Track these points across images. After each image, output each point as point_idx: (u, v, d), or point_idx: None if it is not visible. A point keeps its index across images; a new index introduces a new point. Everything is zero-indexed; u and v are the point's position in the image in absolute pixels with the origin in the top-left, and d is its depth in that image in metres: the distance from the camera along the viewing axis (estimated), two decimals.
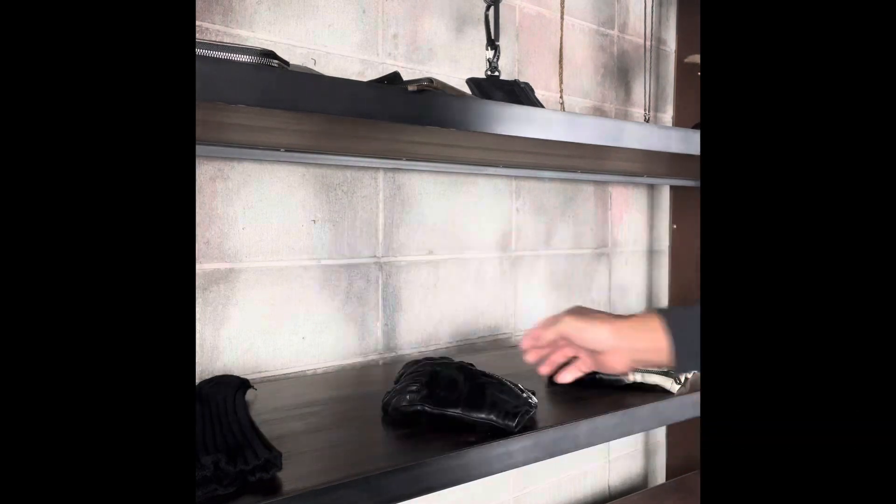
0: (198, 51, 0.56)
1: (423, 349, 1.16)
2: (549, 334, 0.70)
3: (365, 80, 0.90)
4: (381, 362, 1.12)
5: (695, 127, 1.24)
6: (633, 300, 1.59)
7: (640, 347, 0.70)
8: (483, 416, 0.69)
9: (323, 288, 1.05)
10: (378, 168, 1.10)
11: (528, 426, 0.72)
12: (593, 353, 0.71)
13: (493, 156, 1.08)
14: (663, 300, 1.63)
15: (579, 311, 0.73)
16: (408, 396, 0.71)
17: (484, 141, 0.87)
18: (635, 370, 0.90)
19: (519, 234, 1.32)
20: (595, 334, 0.70)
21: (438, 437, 0.70)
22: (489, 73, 0.99)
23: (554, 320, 0.70)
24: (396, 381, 0.78)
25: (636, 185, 1.56)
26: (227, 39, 0.92)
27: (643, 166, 1.28)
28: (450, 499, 1.21)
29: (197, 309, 0.92)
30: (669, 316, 0.70)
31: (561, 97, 1.27)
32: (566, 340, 0.73)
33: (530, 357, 0.78)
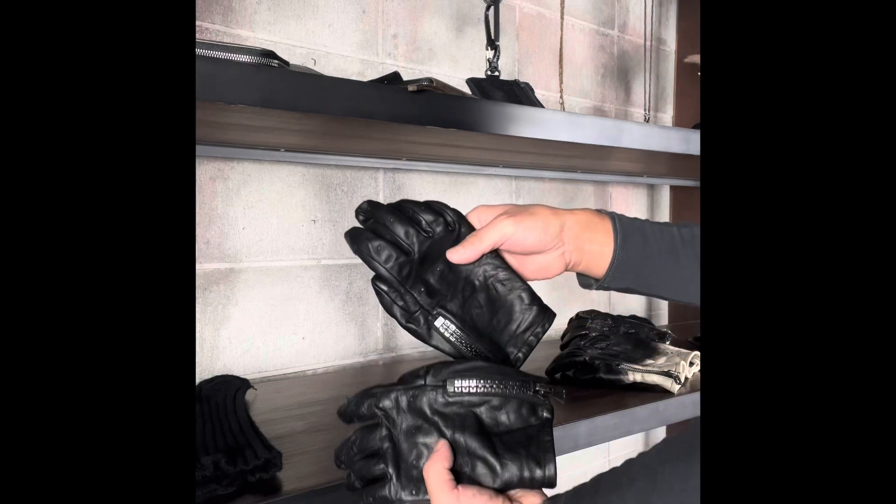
0: (198, 51, 0.56)
1: (423, 349, 1.16)
2: (488, 244, 0.56)
3: (365, 80, 0.90)
4: (381, 362, 1.12)
5: (695, 127, 1.24)
6: (633, 300, 1.58)
7: (587, 249, 0.59)
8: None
9: (323, 288, 1.05)
10: (378, 168, 1.10)
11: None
12: (530, 256, 0.59)
13: (493, 156, 1.08)
14: (663, 300, 1.63)
15: (516, 211, 0.58)
16: None
17: (484, 141, 0.87)
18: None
19: None
20: (539, 237, 0.57)
21: None
22: (489, 73, 0.99)
23: (491, 226, 0.57)
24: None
25: (636, 185, 1.56)
26: (227, 39, 0.92)
27: (643, 166, 1.28)
28: None
29: (197, 309, 0.92)
30: (619, 222, 0.60)
31: (561, 97, 1.27)
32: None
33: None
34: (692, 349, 1.00)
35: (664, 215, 1.63)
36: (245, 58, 0.58)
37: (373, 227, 0.56)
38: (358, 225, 0.57)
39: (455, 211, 0.58)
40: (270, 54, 0.59)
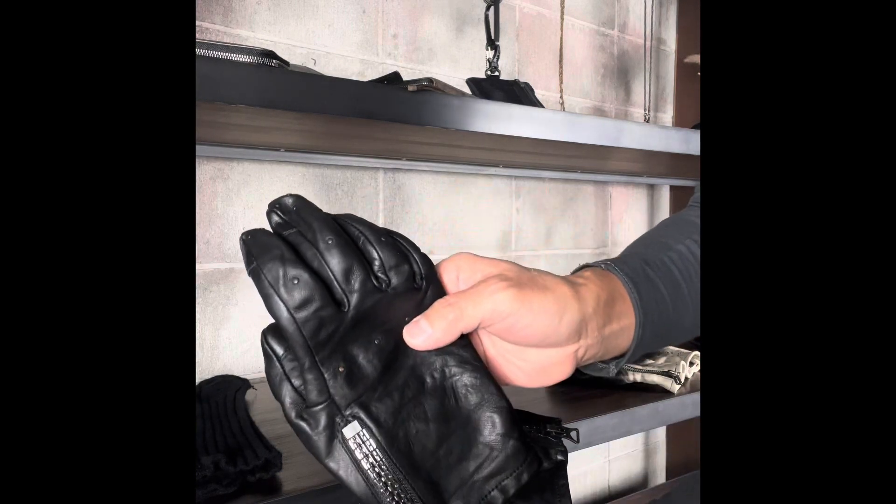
0: (198, 51, 0.56)
1: None
2: (469, 322, 0.37)
3: (365, 80, 0.90)
4: None
5: (695, 127, 1.24)
6: None
7: (608, 334, 0.42)
8: None
9: None
10: (378, 168, 1.10)
11: None
12: (525, 349, 0.40)
13: (493, 156, 1.08)
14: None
15: (518, 277, 0.39)
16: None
17: (484, 141, 0.87)
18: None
19: (519, 234, 1.32)
20: (551, 326, 0.38)
21: None
22: (489, 73, 0.99)
23: (479, 293, 0.37)
24: None
25: (636, 185, 1.56)
26: (227, 39, 0.92)
27: (643, 166, 1.28)
28: None
29: (197, 309, 0.92)
30: (629, 279, 0.45)
31: (561, 97, 1.27)
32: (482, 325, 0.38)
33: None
34: (692, 349, 1.00)
35: (664, 215, 1.63)
36: (245, 58, 0.58)
37: (295, 239, 0.35)
38: (266, 228, 0.36)
39: (425, 259, 0.39)
40: (270, 54, 0.59)
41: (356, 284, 0.35)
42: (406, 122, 0.67)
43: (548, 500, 0.42)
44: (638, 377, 0.91)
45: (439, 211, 1.18)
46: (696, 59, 1.53)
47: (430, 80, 0.68)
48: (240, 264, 0.96)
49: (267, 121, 0.70)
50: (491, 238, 1.26)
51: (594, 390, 0.90)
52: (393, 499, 0.35)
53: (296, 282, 0.34)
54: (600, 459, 1.52)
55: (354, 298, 0.35)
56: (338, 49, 1.05)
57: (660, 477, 1.65)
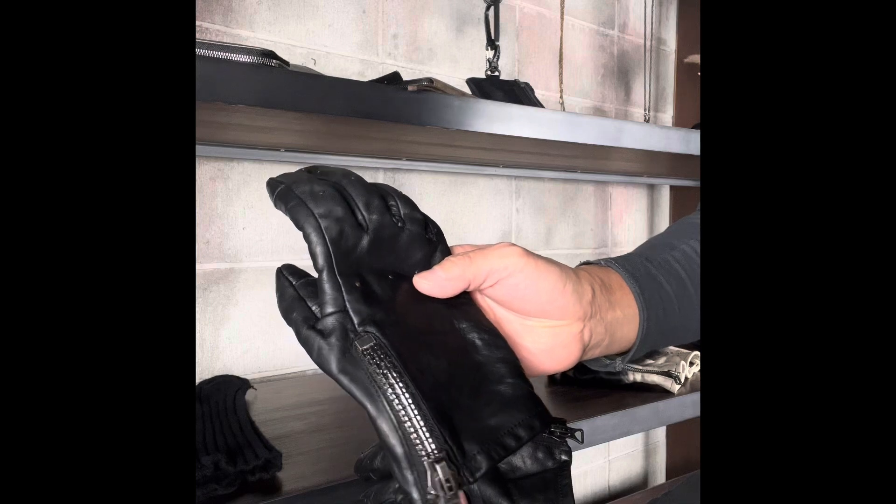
0: (198, 51, 0.56)
1: None
2: (478, 272, 0.38)
3: (365, 80, 0.90)
4: None
5: (695, 127, 1.24)
6: None
7: (609, 320, 0.42)
8: None
9: None
10: (378, 168, 1.10)
11: None
12: (531, 327, 0.41)
13: (493, 156, 1.08)
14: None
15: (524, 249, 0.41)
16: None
17: (484, 141, 0.87)
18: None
19: (519, 234, 1.32)
20: (556, 288, 0.39)
21: None
22: (489, 73, 0.99)
23: (489, 250, 0.39)
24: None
25: (636, 185, 1.56)
26: (227, 39, 0.92)
27: (643, 166, 1.28)
28: None
29: (197, 309, 0.92)
30: (628, 272, 0.45)
31: (561, 97, 1.27)
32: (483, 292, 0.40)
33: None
34: (692, 349, 1.00)
35: (664, 215, 1.63)
36: (245, 58, 0.58)
37: (322, 176, 0.38)
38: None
39: (437, 225, 0.42)
40: (270, 54, 0.59)
41: (375, 211, 0.37)
42: (406, 122, 0.67)
43: (551, 500, 0.42)
44: (638, 377, 0.91)
45: (439, 211, 1.18)
46: (696, 59, 1.53)
47: (430, 80, 0.69)
48: (240, 264, 0.96)
49: (267, 121, 0.69)
50: (491, 238, 1.26)
51: (594, 390, 0.90)
52: (406, 412, 0.33)
53: (322, 193, 0.35)
54: (600, 459, 1.52)
55: (374, 222, 0.37)
56: (338, 49, 1.05)
57: (660, 477, 1.65)
